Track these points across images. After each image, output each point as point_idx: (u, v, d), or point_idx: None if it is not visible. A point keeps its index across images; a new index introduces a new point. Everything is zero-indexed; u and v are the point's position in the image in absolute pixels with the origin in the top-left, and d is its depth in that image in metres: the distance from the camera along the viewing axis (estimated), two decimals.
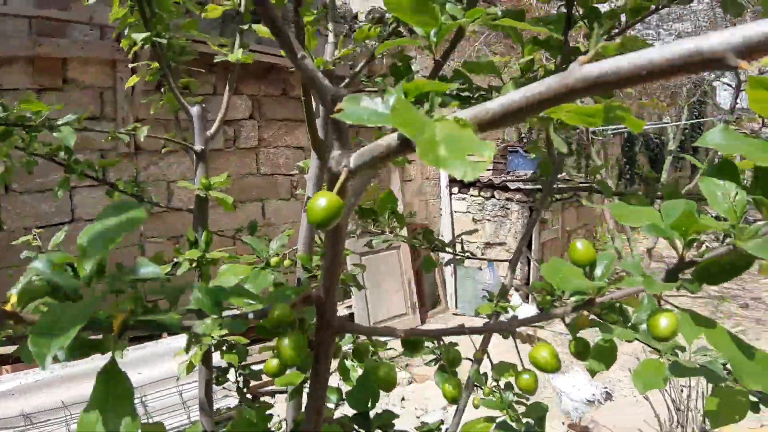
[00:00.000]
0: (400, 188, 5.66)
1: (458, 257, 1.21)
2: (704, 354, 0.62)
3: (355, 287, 1.23)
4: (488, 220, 6.03)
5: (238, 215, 4.09)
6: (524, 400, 0.93)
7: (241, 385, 1.08)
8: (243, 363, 1.08)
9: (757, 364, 0.42)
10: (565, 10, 0.96)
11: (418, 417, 3.80)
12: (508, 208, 5.90)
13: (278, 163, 4.75)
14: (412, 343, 0.48)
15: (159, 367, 2.74)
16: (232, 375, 1.11)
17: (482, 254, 5.95)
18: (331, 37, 1.03)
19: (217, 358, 1.13)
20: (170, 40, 1.07)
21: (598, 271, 0.46)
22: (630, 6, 0.98)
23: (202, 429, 1.09)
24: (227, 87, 1.20)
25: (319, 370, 0.51)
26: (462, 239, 1.39)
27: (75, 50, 3.36)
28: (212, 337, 1.03)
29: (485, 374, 1.06)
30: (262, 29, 1.07)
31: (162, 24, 1.05)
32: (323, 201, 0.38)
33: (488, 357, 0.73)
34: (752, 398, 0.55)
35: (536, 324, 0.45)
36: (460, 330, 0.45)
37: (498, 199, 5.92)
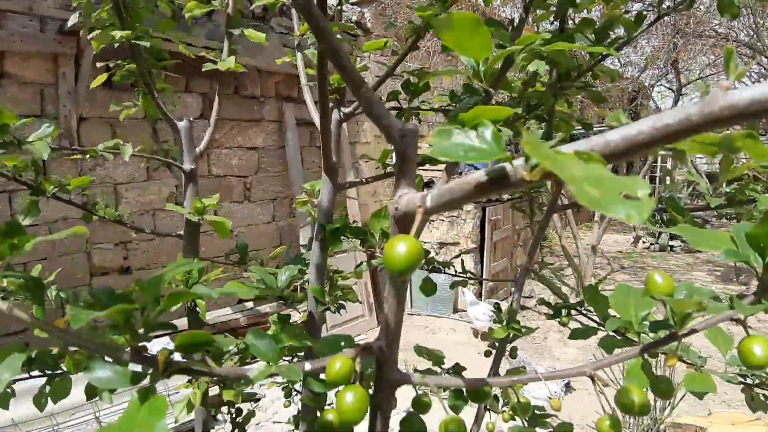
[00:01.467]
0: (355, 189, 5.62)
1: (461, 278, 1.18)
2: None
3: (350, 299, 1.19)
4: (442, 219, 6.09)
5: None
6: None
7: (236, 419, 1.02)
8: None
9: None
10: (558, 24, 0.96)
11: None
12: (461, 209, 5.97)
13: (231, 164, 4.61)
14: (477, 393, 0.45)
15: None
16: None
17: (436, 254, 5.99)
18: None
19: None
20: (151, 45, 0.99)
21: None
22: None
23: None
24: (216, 99, 1.12)
25: (377, 429, 0.46)
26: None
27: (13, 43, 3.13)
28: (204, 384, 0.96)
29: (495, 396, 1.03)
30: (254, 35, 1.00)
31: (140, 23, 0.96)
32: (403, 247, 0.35)
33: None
34: None
35: (613, 361, 0.42)
36: (535, 378, 0.43)
37: None
